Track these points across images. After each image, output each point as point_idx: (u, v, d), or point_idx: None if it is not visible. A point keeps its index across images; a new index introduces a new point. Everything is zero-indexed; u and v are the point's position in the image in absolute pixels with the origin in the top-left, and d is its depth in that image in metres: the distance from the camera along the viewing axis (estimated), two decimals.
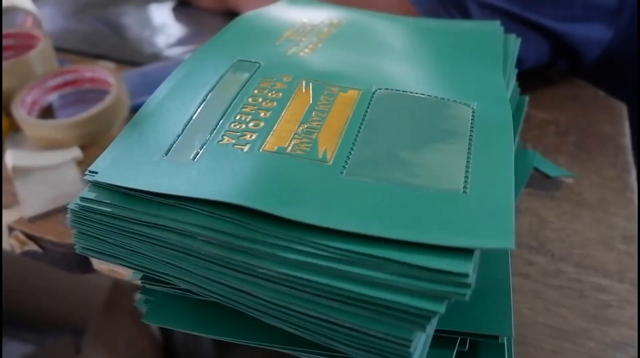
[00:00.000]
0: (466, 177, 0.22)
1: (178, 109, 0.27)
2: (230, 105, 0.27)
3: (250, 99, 0.27)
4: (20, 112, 0.45)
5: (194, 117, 0.26)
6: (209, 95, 0.27)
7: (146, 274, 0.25)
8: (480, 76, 0.31)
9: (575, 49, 0.47)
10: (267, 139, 0.25)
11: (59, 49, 0.58)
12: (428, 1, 0.47)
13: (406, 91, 0.28)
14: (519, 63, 0.47)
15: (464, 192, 0.22)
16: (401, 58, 0.32)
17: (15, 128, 0.46)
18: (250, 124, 0.26)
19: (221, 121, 0.26)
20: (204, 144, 0.25)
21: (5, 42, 0.52)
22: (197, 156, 0.24)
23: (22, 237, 0.39)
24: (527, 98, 0.39)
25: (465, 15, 0.46)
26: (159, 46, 0.58)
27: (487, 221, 0.20)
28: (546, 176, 0.41)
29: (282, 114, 0.26)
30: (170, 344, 0.73)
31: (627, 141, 0.45)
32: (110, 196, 0.23)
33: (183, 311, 0.27)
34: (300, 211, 0.21)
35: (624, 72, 0.53)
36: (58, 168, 0.43)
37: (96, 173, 0.24)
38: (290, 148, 0.24)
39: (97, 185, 0.24)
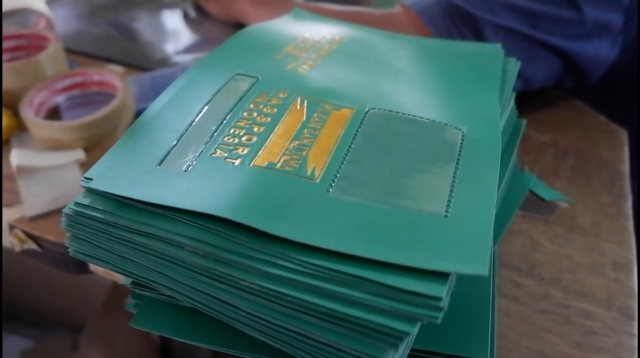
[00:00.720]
0: (449, 201, 0.23)
1: (175, 119, 0.27)
2: (225, 118, 0.27)
3: (245, 114, 0.28)
4: (28, 112, 0.46)
5: (189, 129, 0.27)
6: (206, 107, 0.28)
7: (134, 280, 0.26)
8: (475, 98, 0.31)
9: (584, 68, 0.48)
10: (259, 154, 0.25)
11: (69, 51, 0.60)
12: (442, 22, 0.47)
13: (399, 112, 0.28)
14: (528, 83, 0.47)
15: (446, 216, 0.22)
16: (398, 77, 0.32)
17: (22, 128, 0.47)
18: (244, 139, 0.26)
19: (215, 134, 0.26)
20: (197, 157, 0.25)
21: (17, 42, 0.53)
22: (189, 168, 0.25)
23: (21, 235, 0.40)
24: (524, 121, 0.39)
25: (479, 36, 0.47)
26: (167, 51, 0.59)
27: (464, 246, 0.20)
28: (541, 199, 0.41)
29: (275, 129, 0.27)
30: (168, 345, 0.74)
31: (626, 167, 0.45)
32: (103, 202, 0.24)
33: (170, 317, 0.27)
34: (284, 227, 0.21)
35: (625, 95, 0.54)
36: (61, 169, 0.44)
37: (91, 179, 0.25)
38: (280, 163, 0.25)
39: (91, 191, 0.25)
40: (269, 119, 0.27)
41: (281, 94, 0.29)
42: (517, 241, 0.38)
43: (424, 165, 0.25)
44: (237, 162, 0.25)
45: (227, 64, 0.31)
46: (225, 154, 0.25)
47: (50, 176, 0.43)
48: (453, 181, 0.24)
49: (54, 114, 0.50)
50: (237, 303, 0.22)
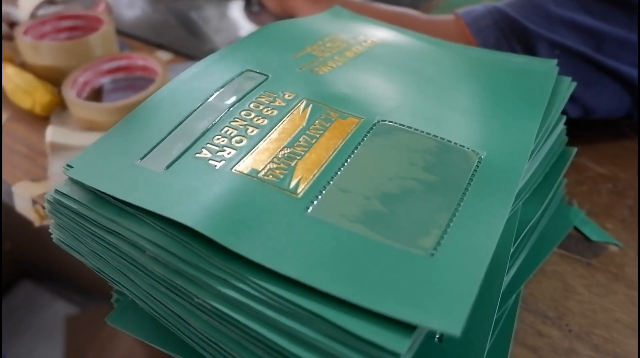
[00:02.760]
0: (441, 237, 0.20)
1: (171, 112, 0.26)
2: (221, 116, 0.26)
3: (243, 113, 0.26)
4: (69, 91, 0.46)
5: (182, 124, 0.25)
6: (205, 103, 0.26)
7: (103, 277, 0.25)
8: (510, 120, 0.27)
9: None
10: (244, 158, 0.23)
11: (125, 35, 0.61)
12: (491, 34, 0.43)
13: (411, 127, 0.25)
14: (587, 112, 0.42)
15: (432, 255, 0.19)
16: (426, 88, 0.29)
17: (64, 106, 0.48)
18: (234, 140, 0.24)
19: (207, 132, 0.25)
20: (181, 155, 0.24)
21: (74, 22, 0.55)
22: (171, 166, 0.23)
23: (42, 212, 0.40)
24: (574, 150, 0.35)
25: (531, 52, 0.42)
26: (218, 43, 0.59)
27: (442, 296, 0.17)
28: (586, 239, 0.36)
29: (270, 133, 0.25)
30: None
31: None
32: (80, 193, 0.23)
33: (146, 319, 0.26)
34: (246, 244, 0.19)
35: None
36: None
37: (72, 167, 0.24)
38: (263, 172, 0.23)
39: (72, 180, 0.24)
40: (266, 121, 0.25)
41: (287, 96, 0.27)
42: (548, 283, 0.33)
43: (424, 191, 0.22)
44: (219, 165, 0.23)
45: (241, 58, 0.30)
46: (210, 155, 0.23)
47: None
48: (453, 214, 0.21)
49: (98, 95, 0.50)
50: (190, 321, 0.20)
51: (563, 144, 0.34)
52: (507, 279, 0.31)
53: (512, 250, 0.28)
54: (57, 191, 0.24)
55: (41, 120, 0.48)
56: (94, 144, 0.25)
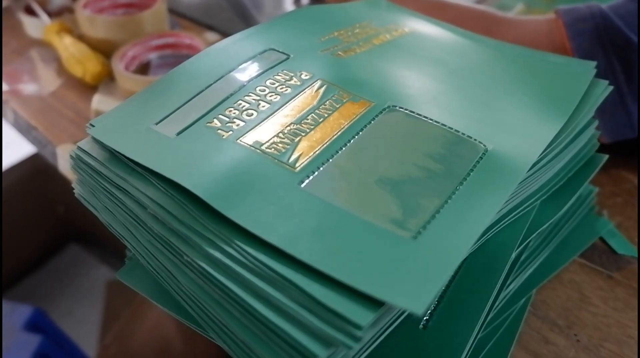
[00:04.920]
0: (428, 222, 0.20)
1: (192, 82, 0.27)
2: (237, 90, 0.26)
3: (258, 89, 0.26)
4: (118, 63, 0.49)
5: (200, 94, 0.26)
6: (225, 76, 0.27)
7: (112, 232, 0.26)
8: (530, 118, 0.27)
9: None
10: (251, 131, 0.24)
11: (178, 14, 0.63)
12: (588, 40, 0.39)
13: (420, 115, 0.25)
14: None
15: (414, 238, 0.19)
16: (448, 80, 0.29)
17: (112, 77, 0.51)
18: (245, 113, 0.25)
19: (221, 104, 0.26)
20: (194, 123, 0.25)
21: None
22: (182, 132, 0.24)
23: None
24: (604, 157, 0.33)
25: (628, 66, 0.38)
26: None
27: (412, 277, 0.17)
28: (612, 252, 0.35)
29: (280, 110, 0.25)
30: None
31: None
32: (98, 151, 0.25)
33: (148, 279, 0.27)
34: (237, 210, 0.20)
35: None
36: None
37: (94, 126, 0.25)
38: (266, 144, 0.23)
39: (93, 138, 0.25)
40: (279, 98, 0.26)
41: (303, 76, 0.27)
42: (563, 291, 0.32)
43: (421, 178, 0.22)
44: (226, 135, 0.24)
45: (267, 37, 0.30)
46: (219, 125, 0.24)
47: None
48: (445, 201, 0.21)
49: (145, 69, 0.53)
50: (178, 277, 0.21)
51: (593, 149, 0.33)
52: (516, 281, 0.30)
53: (519, 249, 0.27)
54: (79, 148, 0.25)
55: (90, 89, 0.51)
56: (118, 106, 0.26)
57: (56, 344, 0.66)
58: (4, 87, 0.52)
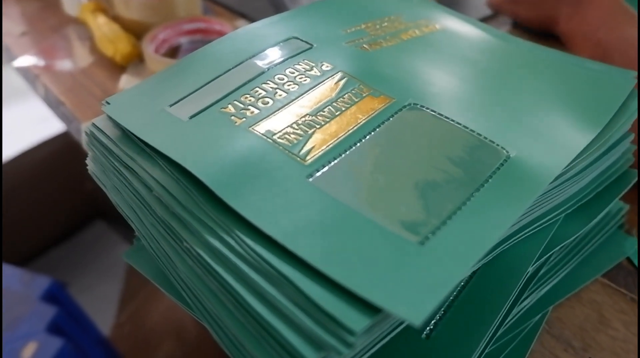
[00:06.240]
0: (438, 228, 0.19)
1: (211, 66, 0.27)
2: (256, 76, 0.26)
3: (277, 77, 0.26)
4: (148, 45, 0.49)
5: (217, 78, 0.26)
6: (245, 62, 0.27)
7: (119, 212, 0.26)
8: (561, 127, 0.25)
9: None
10: (264, 119, 0.23)
11: (213, 0, 0.63)
12: None
13: (442, 115, 0.24)
14: None
15: (421, 243, 0.18)
16: (476, 81, 0.28)
17: (142, 58, 0.51)
18: (260, 101, 0.24)
19: (237, 90, 0.25)
20: (208, 107, 0.24)
21: None
22: (195, 116, 0.24)
23: None
24: (637, 172, 0.31)
25: None
26: None
27: (413, 285, 0.16)
28: (638, 273, 0.33)
29: (296, 100, 0.24)
30: None
31: None
32: (111, 129, 0.24)
33: (153, 261, 0.27)
34: (240, 199, 0.19)
35: None
36: None
37: (109, 104, 0.25)
38: (279, 134, 0.22)
39: (108, 116, 0.25)
40: (297, 87, 0.25)
41: (324, 67, 0.26)
42: (581, 311, 0.31)
43: (436, 180, 0.21)
44: (239, 122, 0.23)
45: (291, 25, 0.30)
46: (233, 111, 0.24)
47: None
48: (459, 207, 0.20)
49: (174, 52, 0.53)
50: (177, 264, 0.21)
51: (627, 164, 0.31)
52: (533, 296, 0.29)
53: (539, 263, 0.26)
54: (93, 125, 0.25)
55: (119, 69, 0.51)
56: (136, 85, 0.26)
57: (71, 317, 0.67)
58: (40, 62, 0.53)
